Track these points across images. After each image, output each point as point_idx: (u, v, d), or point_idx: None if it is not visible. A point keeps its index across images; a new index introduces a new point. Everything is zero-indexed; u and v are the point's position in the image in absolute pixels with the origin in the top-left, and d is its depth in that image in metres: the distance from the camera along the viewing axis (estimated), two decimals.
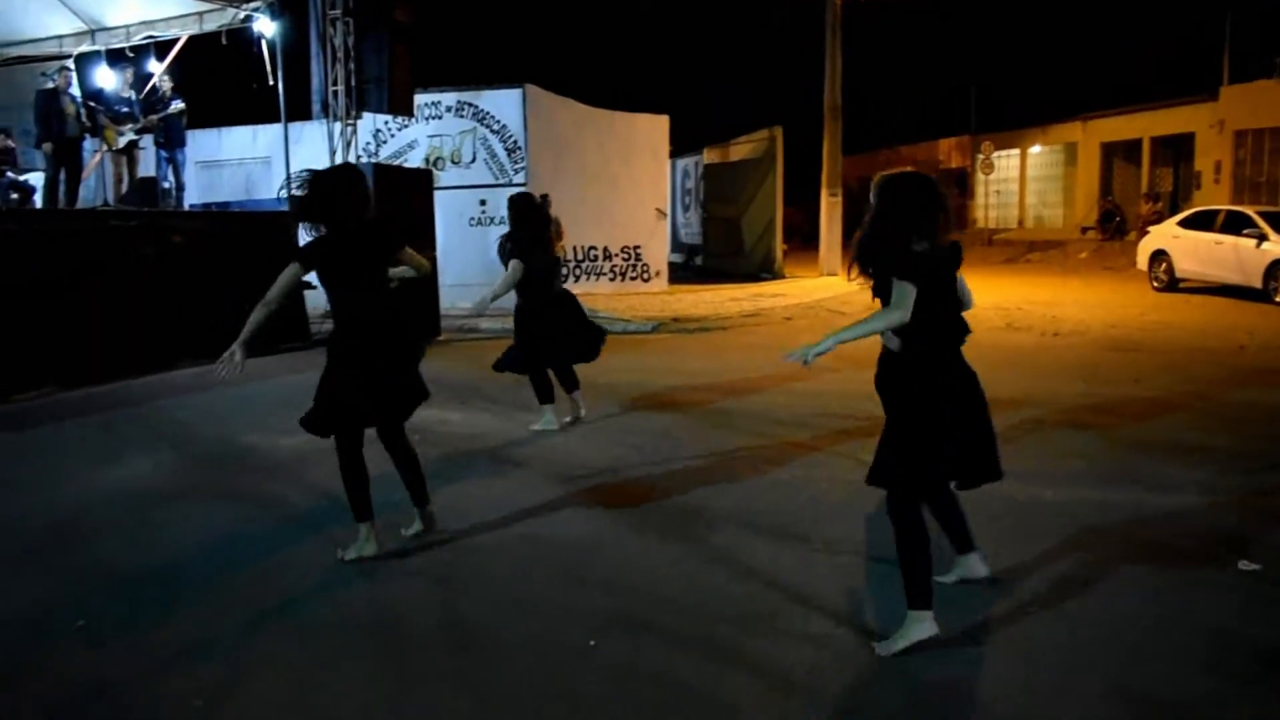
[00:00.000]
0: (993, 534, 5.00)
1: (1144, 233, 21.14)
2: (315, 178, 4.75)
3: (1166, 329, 13.16)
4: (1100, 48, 31.69)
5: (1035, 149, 34.62)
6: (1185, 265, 18.03)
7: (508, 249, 7.26)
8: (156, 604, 4.29)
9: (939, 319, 3.77)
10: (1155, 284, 18.66)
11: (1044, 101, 32.86)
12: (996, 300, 16.81)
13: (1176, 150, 29.03)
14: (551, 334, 7.39)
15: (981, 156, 33.12)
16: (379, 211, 11.50)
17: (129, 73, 13.38)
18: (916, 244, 3.71)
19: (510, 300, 7.43)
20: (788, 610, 4.13)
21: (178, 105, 13.07)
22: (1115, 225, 28.75)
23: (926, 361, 3.79)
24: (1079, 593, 4.28)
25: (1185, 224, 18.47)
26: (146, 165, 13.78)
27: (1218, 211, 18.23)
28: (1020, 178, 35.48)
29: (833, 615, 4.06)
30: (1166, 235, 18.76)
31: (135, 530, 5.29)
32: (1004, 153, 34.54)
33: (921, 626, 3.72)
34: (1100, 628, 3.93)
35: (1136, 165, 30.20)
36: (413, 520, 5.06)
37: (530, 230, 7.29)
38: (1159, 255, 18.69)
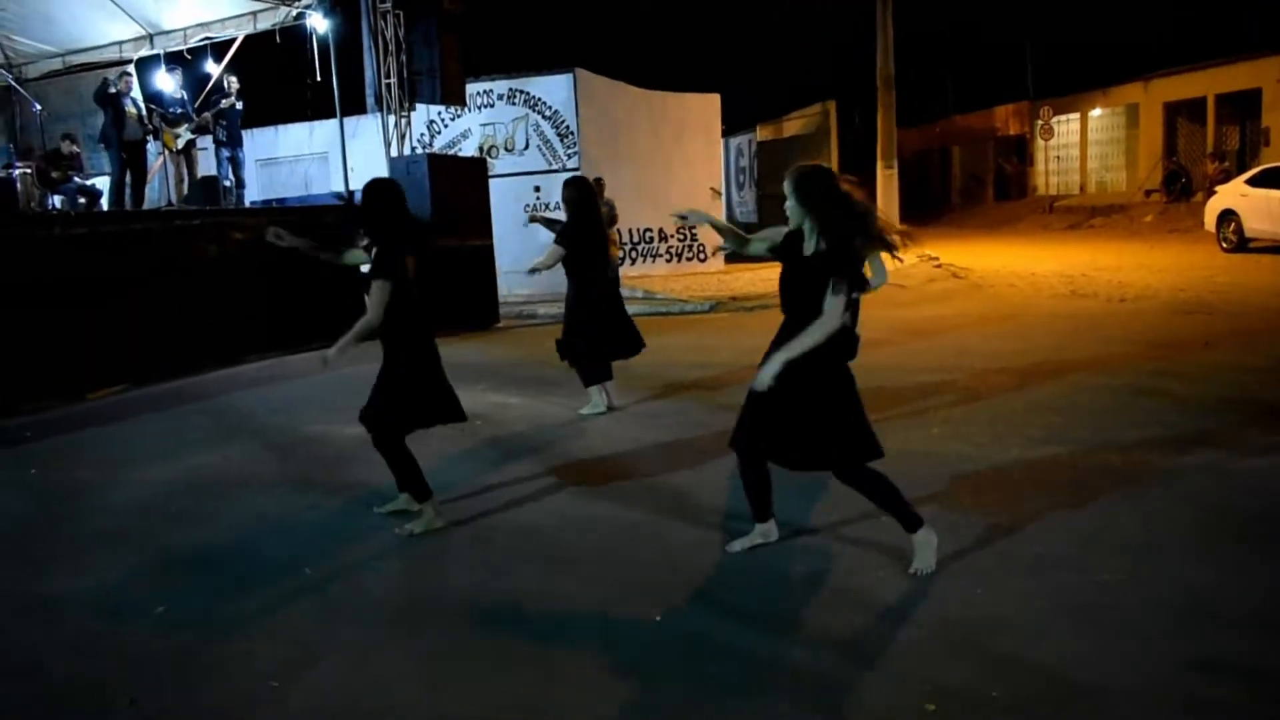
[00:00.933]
0: (1057, 501, 4.95)
1: (1211, 193, 20.60)
2: (378, 188, 5.02)
3: (1238, 291, 12.83)
4: (1159, 4, 30.87)
5: (1096, 112, 33.86)
6: (1255, 224, 17.56)
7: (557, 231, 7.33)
8: (231, 587, 4.39)
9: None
10: (1224, 245, 18.20)
11: (1103, 63, 32.10)
12: (1060, 267, 16.54)
13: (1242, 107, 28.20)
14: (593, 325, 7.42)
15: (1040, 122, 32.48)
16: (437, 201, 11.70)
17: (185, 75, 13.65)
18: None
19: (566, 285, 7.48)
20: (853, 581, 4.12)
21: (235, 104, 13.29)
22: (1180, 186, 28.06)
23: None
24: (1154, 558, 4.21)
25: (1254, 182, 17.98)
26: (208, 165, 14.04)
27: None
28: (1081, 142, 34.73)
29: (898, 582, 4.05)
30: (1234, 194, 18.27)
31: (210, 516, 5.42)
32: (1063, 117, 33.84)
33: (930, 540, 4.16)
34: (1178, 593, 3.87)
35: (1201, 124, 29.41)
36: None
37: (577, 223, 7.28)
38: (1227, 215, 18.22)
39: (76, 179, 13.00)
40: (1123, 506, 4.83)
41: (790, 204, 4.10)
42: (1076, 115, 34.20)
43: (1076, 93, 33.58)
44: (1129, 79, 31.36)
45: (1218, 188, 20.01)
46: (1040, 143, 33.79)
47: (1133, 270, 15.73)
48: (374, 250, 4.90)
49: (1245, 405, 6.75)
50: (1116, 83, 32.04)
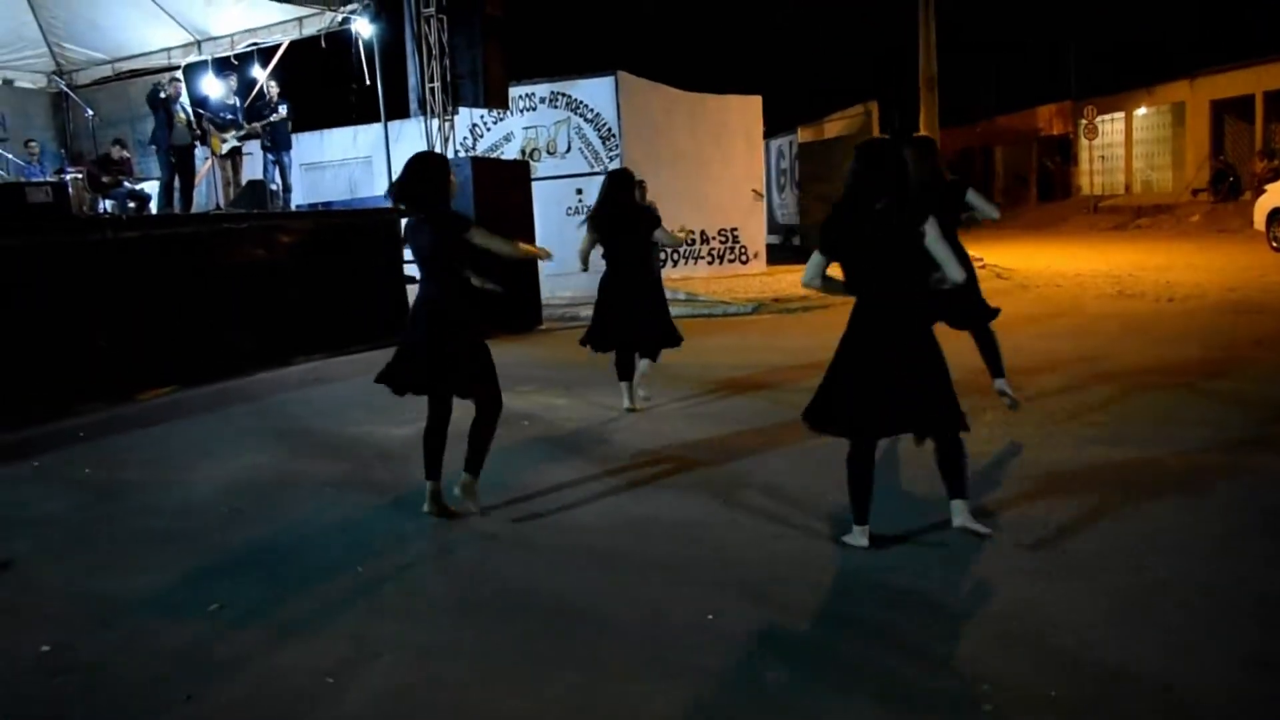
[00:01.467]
0: (1110, 501, 4.90)
1: (1260, 191, 20.25)
2: (428, 159, 5.24)
3: None
4: (1205, 2, 30.43)
5: (1141, 111, 33.46)
6: None
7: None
8: (284, 585, 4.44)
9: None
10: (1274, 244, 17.89)
11: (1147, 62, 31.71)
12: (1107, 267, 16.36)
13: None
14: (618, 317, 7.46)
15: (1084, 121, 32.13)
16: (481, 204, 11.77)
17: (233, 80, 13.82)
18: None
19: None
20: (907, 581, 4.10)
21: (281, 111, 13.44)
22: (1228, 186, 27.65)
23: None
24: (1212, 562, 4.16)
25: None
26: (254, 169, 14.20)
27: None
28: (1126, 141, 34.33)
29: (958, 586, 4.02)
30: None
31: (261, 516, 5.47)
32: (1107, 116, 33.47)
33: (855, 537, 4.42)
34: (1239, 597, 3.81)
35: (1249, 122, 28.95)
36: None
37: (606, 208, 7.43)
38: (1277, 214, 17.92)
39: (126, 183, 13.18)
40: (1180, 506, 4.77)
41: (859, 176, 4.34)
42: (1121, 114, 33.82)
43: (1121, 91, 33.19)
44: (1174, 77, 30.96)
45: (1267, 186, 19.68)
46: (1084, 142, 33.44)
47: (1181, 270, 15.51)
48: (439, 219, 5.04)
49: None
50: (1161, 81, 31.63)
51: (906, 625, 3.71)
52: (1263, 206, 18.51)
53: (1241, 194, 26.36)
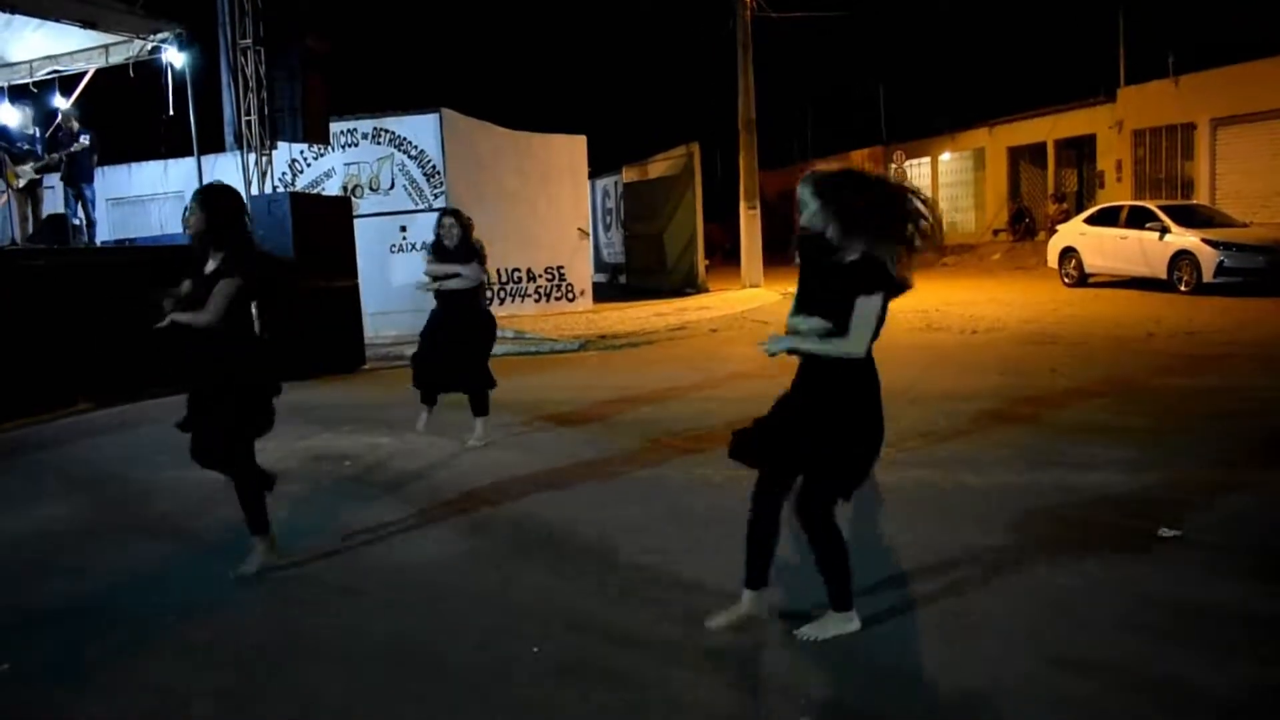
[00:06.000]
0: (920, 519, 5.13)
1: (1052, 232, 21.75)
2: (219, 191, 4.94)
3: (1079, 321, 13.56)
4: (1003, 54, 32.48)
5: (945, 156, 35.35)
6: (1093, 260, 18.60)
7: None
8: (87, 638, 4.18)
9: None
10: (1066, 280, 19.19)
11: (952, 110, 33.62)
12: (915, 303, 17.10)
13: (1079, 151, 29.88)
14: (431, 351, 7.54)
15: (894, 166, 33.70)
16: (300, 241, 11.45)
17: (32, 110, 13.09)
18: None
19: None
20: (719, 603, 4.17)
21: (83, 141, 12.78)
22: (1025, 226, 29.49)
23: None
24: (1010, 569, 4.39)
25: (1091, 221, 19.06)
26: (55, 203, 13.46)
27: (1121, 207, 18.89)
28: (933, 185, 36.16)
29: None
30: (1074, 233, 19.34)
31: (62, 569, 5.15)
32: (915, 161, 35.21)
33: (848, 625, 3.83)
34: (1033, 600, 4.04)
35: (1042, 167, 31.00)
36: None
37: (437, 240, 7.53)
38: (1068, 252, 19.24)
39: None
40: (983, 522, 5.02)
41: (812, 208, 3.77)
42: (928, 159, 35.66)
43: (927, 137, 35.05)
44: (976, 124, 32.89)
45: (1059, 227, 21.16)
46: None
47: (984, 305, 16.42)
48: (222, 253, 4.74)
49: (1089, 428, 7.11)
50: (964, 128, 33.56)
51: (734, 650, 3.77)
52: (1055, 245, 19.86)
53: (1037, 234, 28.14)
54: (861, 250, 3.67)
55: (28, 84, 13.54)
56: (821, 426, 3.73)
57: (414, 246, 15.26)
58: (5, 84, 13.79)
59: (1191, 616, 3.85)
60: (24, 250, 11.10)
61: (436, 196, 15.76)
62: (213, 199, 4.81)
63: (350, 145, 16.03)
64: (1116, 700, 3.27)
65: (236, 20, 12.75)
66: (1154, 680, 3.38)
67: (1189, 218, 17.38)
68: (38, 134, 12.82)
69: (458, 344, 7.46)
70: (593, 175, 21.90)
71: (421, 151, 15.94)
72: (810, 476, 3.77)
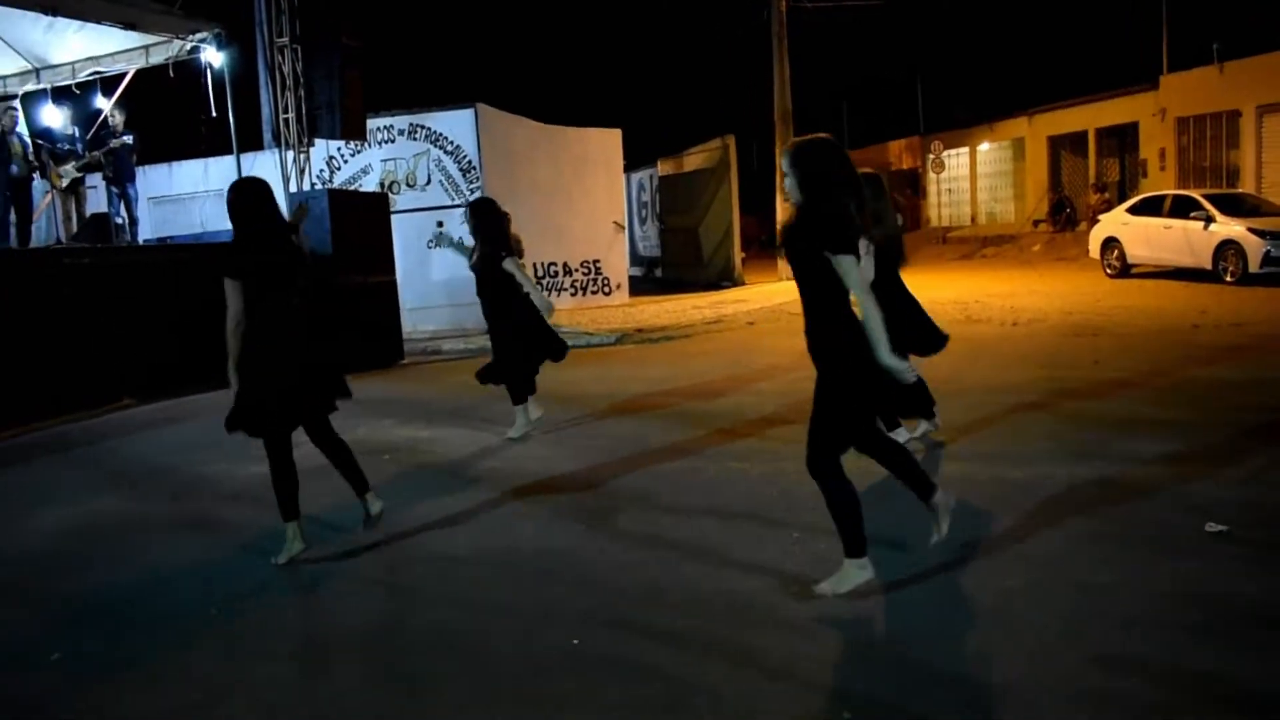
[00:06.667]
0: (959, 513, 5.06)
1: (1094, 222, 21.49)
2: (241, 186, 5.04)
3: (1122, 313, 13.37)
4: (1042, 42, 32.19)
5: (984, 146, 35.05)
6: (1136, 251, 18.35)
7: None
8: (131, 630, 4.24)
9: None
10: (1108, 271, 18.95)
11: (990, 99, 33.33)
12: (954, 295, 16.99)
13: (1121, 140, 29.51)
14: (519, 340, 7.48)
15: (932, 156, 33.50)
16: (338, 237, 11.56)
17: (70, 110, 13.28)
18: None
19: (472, 319, 7.49)
20: (768, 599, 4.16)
21: (125, 140, 12.94)
22: (1066, 216, 29.18)
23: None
24: (1050, 564, 4.34)
25: (1134, 210, 18.81)
26: (98, 202, 13.65)
27: (1165, 197, 18.60)
28: (971, 175, 35.89)
29: (814, 601, 4.09)
30: (1116, 223, 19.09)
31: (108, 561, 5.23)
32: (953, 151, 34.94)
33: (861, 573, 4.05)
34: (1073, 596, 3.99)
35: (1083, 157, 30.66)
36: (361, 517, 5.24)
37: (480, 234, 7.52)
38: (1110, 243, 19.00)
39: None
40: (1024, 515, 4.97)
41: (789, 182, 4.02)
42: (966, 149, 35.37)
43: (966, 127, 34.74)
44: (1015, 113, 32.56)
45: (1101, 217, 20.90)
46: (932, 176, 34.82)
47: (1024, 296, 16.25)
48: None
49: (1133, 421, 7.01)
50: (1003, 117, 33.24)
51: (766, 646, 3.76)
52: (1097, 236, 19.61)
53: (1078, 224, 27.84)
54: (822, 209, 3.89)
55: (70, 85, 13.72)
56: (819, 382, 4.01)
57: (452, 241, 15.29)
58: (49, 85, 13.99)
59: (1237, 614, 3.78)
60: (70, 249, 11.27)
61: (473, 192, 15.80)
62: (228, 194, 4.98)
63: (387, 142, 16.12)
64: (1157, 698, 3.22)
65: (273, 19, 12.88)
66: (1196, 678, 3.32)
67: (1234, 207, 17.09)
68: (77, 133, 13.00)
69: (523, 324, 7.49)
70: (628, 168, 21.90)
71: (458, 147, 16.00)
72: (812, 429, 4.03)
